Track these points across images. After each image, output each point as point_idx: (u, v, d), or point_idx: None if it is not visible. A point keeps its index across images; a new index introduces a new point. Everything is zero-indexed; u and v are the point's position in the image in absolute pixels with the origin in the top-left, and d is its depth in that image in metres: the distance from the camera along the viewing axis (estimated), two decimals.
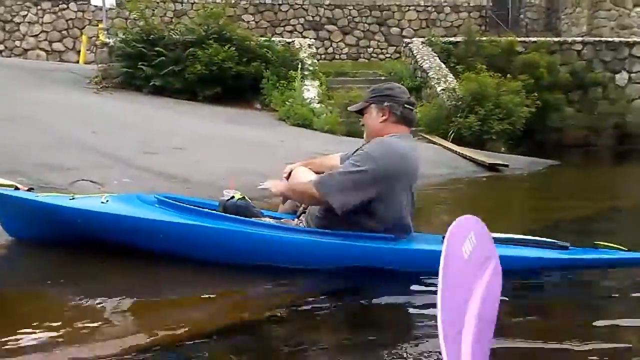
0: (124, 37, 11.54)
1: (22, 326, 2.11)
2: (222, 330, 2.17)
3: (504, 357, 1.87)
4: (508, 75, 10.30)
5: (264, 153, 6.88)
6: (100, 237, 2.97)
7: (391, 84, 2.91)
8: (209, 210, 2.98)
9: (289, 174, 3.28)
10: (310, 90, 10.96)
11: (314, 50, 12.63)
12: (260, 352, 2.05)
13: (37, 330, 2.08)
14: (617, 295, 2.63)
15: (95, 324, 2.17)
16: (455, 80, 10.78)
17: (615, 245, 2.91)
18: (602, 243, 2.94)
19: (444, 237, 2.78)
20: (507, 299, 2.46)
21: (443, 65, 11.36)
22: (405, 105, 2.79)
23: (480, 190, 6.45)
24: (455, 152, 8.17)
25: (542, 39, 13.07)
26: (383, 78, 12.34)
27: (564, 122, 11.85)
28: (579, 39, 12.94)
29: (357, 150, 2.82)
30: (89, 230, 2.97)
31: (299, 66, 11.27)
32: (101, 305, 2.37)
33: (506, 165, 7.34)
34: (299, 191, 2.87)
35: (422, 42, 12.44)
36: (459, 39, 12.63)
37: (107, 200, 3.03)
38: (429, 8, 17.42)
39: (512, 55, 11.87)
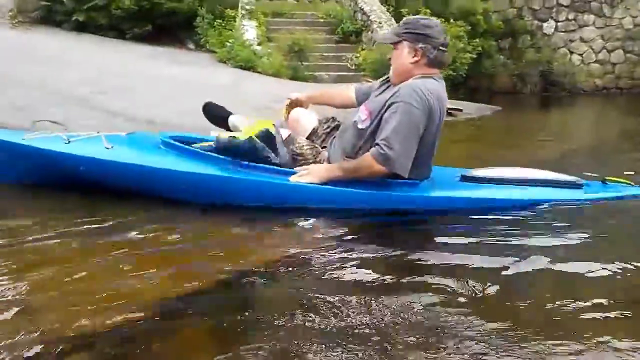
0: None
1: None
2: (232, 280, 1.99)
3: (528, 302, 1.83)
4: (451, 21, 10.33)
5: (221, 94, 6.52)
6: (106, 184, 2.69)
7: (429, 21, 2.67)
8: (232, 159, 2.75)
9: (291, 104, 3.10)
10: (249, 31, 10.48)
11: None
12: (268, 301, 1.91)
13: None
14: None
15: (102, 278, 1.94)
16: (395, 24, 10.69)
17: (624, 181, 2.95)
18: (611, 178, 2.97)
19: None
20: (526, 241, 2.41)
21: (384, 9, 11.21)
22: (440, 48, 2.60)
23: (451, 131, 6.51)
24: None
25: None
26: (322, 20, 12.05)
27: (495, 69, 12.15)
28: None
29: (390, 96, 2.59)
30: (94, 178, 2.68)
31: (239, 4, 10.72)
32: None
33: (460, 110, 7.45)
34: (363, 172, 2.60)
35: None
36: None
37: (112, 147, 2.73)
38: None
39: None
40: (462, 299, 1.80)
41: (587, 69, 13.00)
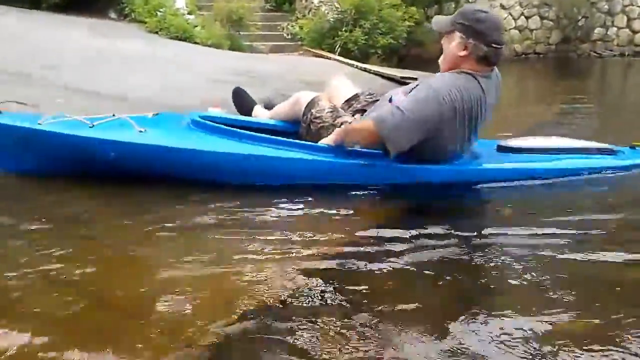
0: None
1: None
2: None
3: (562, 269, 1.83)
4: None
5: (177, 67, 6.17)
6: (137, 170, 2.42)
7: (485, 15, 2.53)
8: (274, 137, 2.60)
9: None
10: (178, 0, 9.92)
11: None
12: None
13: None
14: None
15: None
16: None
17: None
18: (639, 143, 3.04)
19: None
20: (568, 210, 2.44)
21: None
22: (492, 45, 2.49)
23: None
24: (358, 67, 8.10)
25: None
26: None
27: (424, 37, 12.28)
28: None
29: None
30: (126, 164, 2.41)
31: None
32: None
33: (416, 79, 7.45)
34: (358, 131, 2.56)
35: None
36: None
37: (145, 130, 2.47)
38: None
39: None
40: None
41: (508, 35, 13.47)
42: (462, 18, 2.51)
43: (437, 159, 2.60)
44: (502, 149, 2.87)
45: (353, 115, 2.81)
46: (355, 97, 2.90)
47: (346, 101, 2.90)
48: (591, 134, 3.75)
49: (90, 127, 2.45)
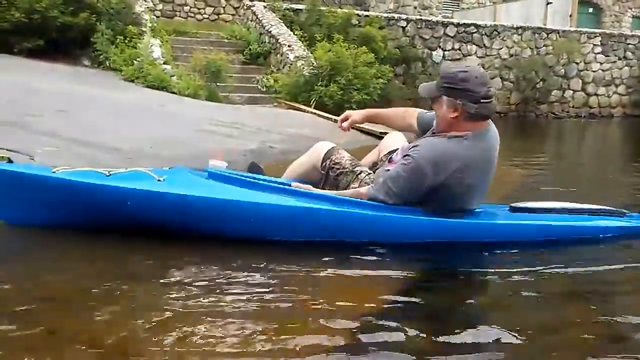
0: None
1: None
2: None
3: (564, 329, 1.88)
4: (363, 47, 10.61)
5: (161, 117, 6.14)
6: (154, 222, 2.38)
7: (467, 72, 2.49)
8: (305, 190, 2.59)
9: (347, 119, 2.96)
10: (155, 50, 9.98)
11: (151, 4, 11.48)
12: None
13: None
14: None
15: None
16: (304, 48, 10.78)
17: None
18: None
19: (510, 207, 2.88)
20: (570, 270, 2.44)
21: (291, 33, 11.26)
22: (482, 101, 2.45)
23: None
24: (335, 120, 8.22)
25: (374, 13, 13.73)
26: (226, 41, 11.82)
27: (393, 94, 12.64)
28: (404, 16, 13.88)
29: (414, 146, 2.54)
30: (141, 215, 2.36)
31: (145, 21, 10.18)
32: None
33: (386, 133, 7.61)
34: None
35: (265, 7, 12.14)
36: (300, 6, 12.59)
37: (164, 179, 2.44)
38: None
39: (348, 27, 12.23)
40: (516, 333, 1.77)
41: None
42: (446, 81, 2.50)
43: (451, 208, 2.60)
44: (515, 210, 2.90)
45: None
46: (396, 150, 2.93)
47: (388, 152, 2.91)
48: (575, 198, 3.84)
49: (107, 175, 2.41)
